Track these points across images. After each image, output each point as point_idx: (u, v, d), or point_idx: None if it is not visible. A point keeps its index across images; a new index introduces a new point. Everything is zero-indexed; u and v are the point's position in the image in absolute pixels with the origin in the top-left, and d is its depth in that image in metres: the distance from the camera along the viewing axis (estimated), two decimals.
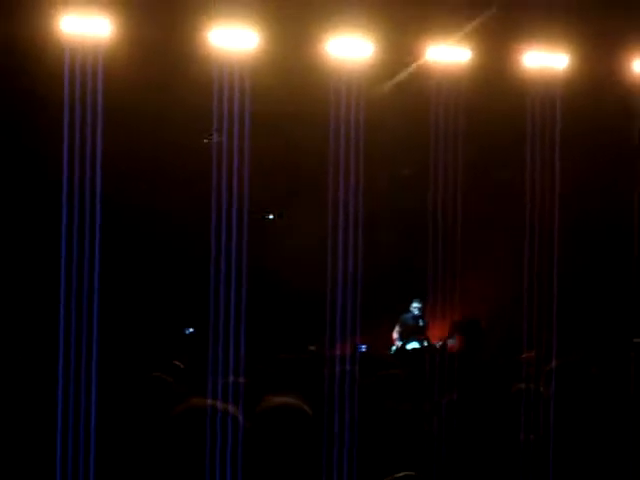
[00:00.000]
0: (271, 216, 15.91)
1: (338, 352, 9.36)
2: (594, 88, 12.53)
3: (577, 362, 6.66)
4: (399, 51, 12.46)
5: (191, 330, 14.95)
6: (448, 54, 12.42)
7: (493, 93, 12.51)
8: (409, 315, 14.84)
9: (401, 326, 14.76)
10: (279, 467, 3.61)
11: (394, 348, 14.49)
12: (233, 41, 11.67)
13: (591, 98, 12.47)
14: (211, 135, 12.69)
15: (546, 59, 12.67)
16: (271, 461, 3.57)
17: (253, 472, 3.37)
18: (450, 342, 14.46)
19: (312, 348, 14.71)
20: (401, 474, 3.51)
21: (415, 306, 14.88)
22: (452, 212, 12.44)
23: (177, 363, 7.53)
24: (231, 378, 5.41)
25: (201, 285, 9.68)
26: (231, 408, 3.00)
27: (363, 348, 12.65)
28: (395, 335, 14.77)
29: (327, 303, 9.54)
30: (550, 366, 5.77)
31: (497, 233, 14.78)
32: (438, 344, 14.46)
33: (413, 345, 14.39)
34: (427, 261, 12.36)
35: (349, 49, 12.12)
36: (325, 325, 9.63)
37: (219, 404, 2.87)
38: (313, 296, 11.28)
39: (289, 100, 12.73)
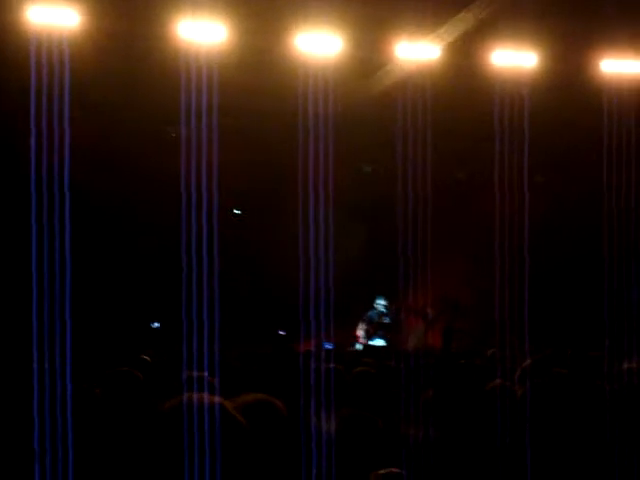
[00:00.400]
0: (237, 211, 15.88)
1: (312, 348, 9.30)
2: (562, 86, 12.58)
3: (547, 360, 6.65)
4: (368, 48, 12.41)
5: (157, 324, 14.84)
6: (418, 52, 12.39)
7: (462, 90, 12.51)
8: (374, 312, 14.77)
9: (367, 323, 14.67)
10: (255, 465, 3.55)
11: (358, 345, 14.42)
12: (201, 34, 11.58)
13: (558, 96, 12.53)
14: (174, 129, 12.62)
15: (515, 57, 12.71)
16: (248, 459, 3.51)
17: (230, 469, 3.31)
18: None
19: (282, 333, 14.65)
20: (384, 470, 3.46)
21: (380, 303, 14.81)
22: (422, 208, 12.41)
23: (145, 357, 7.46)
24: (202, 373, 5.34)
25: (168, 278, 9.60)
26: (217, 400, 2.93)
27: (329, 345, 12.58)
28: (360, 332, 14.66)
29: (300, 299, 9.47)
30: (524, 364, 5.75)
31: (467, 230, 14.80)
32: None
33: (379, 342, 14.36)
34: (395, 259, 12.32)
35: (318, 44, 12.08)
36: (298, 321, 9.56)
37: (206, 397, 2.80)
38: (286, 291, 11.22)
39: (257, 93, 12.65)
